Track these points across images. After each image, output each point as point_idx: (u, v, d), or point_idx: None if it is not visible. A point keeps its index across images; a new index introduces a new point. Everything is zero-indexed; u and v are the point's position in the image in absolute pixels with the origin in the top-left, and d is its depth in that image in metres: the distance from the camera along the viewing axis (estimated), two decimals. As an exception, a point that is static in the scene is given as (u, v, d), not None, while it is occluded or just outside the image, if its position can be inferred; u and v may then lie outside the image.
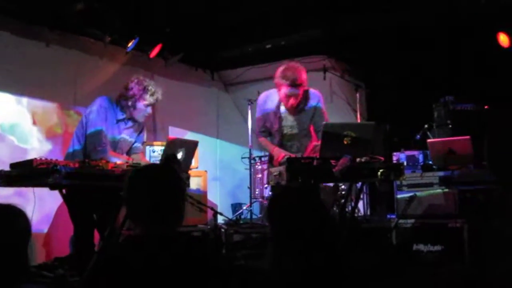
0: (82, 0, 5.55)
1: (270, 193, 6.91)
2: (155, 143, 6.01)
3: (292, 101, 4.60)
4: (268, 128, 4.83)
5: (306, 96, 4.73)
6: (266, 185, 7.26)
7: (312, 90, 4.79)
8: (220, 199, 8.01)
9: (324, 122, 4.35)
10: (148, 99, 4.57)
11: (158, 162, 5.11)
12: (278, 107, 4.76)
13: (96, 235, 4.53)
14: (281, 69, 4.57)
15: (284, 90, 4.55)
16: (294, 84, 4.50)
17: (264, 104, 4.83)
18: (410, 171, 5.41)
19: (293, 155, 4.43)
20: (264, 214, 6.30)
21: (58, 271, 4.07)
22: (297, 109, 4.73)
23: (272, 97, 4.78)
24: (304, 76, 4.55)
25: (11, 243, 2.01)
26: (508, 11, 5.74)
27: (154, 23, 6.46)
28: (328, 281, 1.89)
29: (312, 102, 4.76)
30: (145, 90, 4.54)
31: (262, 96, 4.90)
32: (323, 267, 1.88)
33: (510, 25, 6.02)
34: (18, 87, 5.78)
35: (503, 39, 6.07)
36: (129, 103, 4.56)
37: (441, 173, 5.15)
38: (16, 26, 5.73)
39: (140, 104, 4.57)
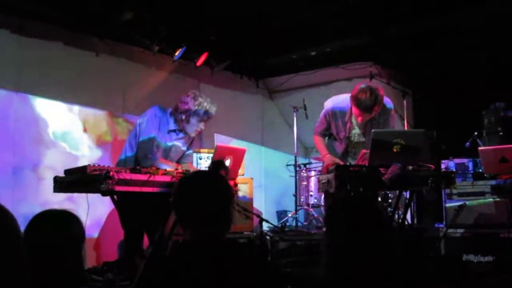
0: (131, 10, 5.65)
1: (323, 200, 6.89)
2: (201, 150, 6.07)
3: (362, 118, 4.53)
4: (332, 134, 4.76)
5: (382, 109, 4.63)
6: (311, 192, 7.24)
7: (385, 100, 4.65)
8: (265, 206, 8.01)
9: (373, 130, 4.27)
10: (202, 115, 4.62)
11: (206, 169, 5.16)
12: (349, 116, 4.66)
13: (146, 241, 4.59)
14: (358, 90, 4.42)
15: (355, 111, 4.49)
16: (366, 111, 4.44)
17: (332, 114, 4.73)
18: (460, 179, 5.30)
19: (341, 163, 4.39)
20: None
21: (107, 275, 4.14)
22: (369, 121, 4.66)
23: (344, 103, 4.66)
24: (379, 103, 4.42)
25: (66, 248, 2.05)
26: None
27: (200, 32, 6.53)
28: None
29: (387, 106, 4.67)
30: (200, 106, 4.59)
31: (329, 103, 4.80)
32: (382, 276, 1.86)
33: None
34: (69, 96, 5.95)
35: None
36: (183, 117, 4.62)
37: (493, 182, 5.02)
38: (68, 36, 5.90)
39: (194, 120, 4.62)
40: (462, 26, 6.25)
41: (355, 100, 4.41)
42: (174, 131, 4.71)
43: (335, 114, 4.71)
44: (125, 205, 4.14)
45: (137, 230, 4.51)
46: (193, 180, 2.26)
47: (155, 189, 3.91)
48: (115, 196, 4.00)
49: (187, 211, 2.11)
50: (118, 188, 3.73)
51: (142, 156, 4.53)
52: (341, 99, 4.71)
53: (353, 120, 4.68)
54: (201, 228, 2.07)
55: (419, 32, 6.48)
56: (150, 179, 3.87)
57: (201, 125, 4.70)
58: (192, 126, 4.66)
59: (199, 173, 2.66)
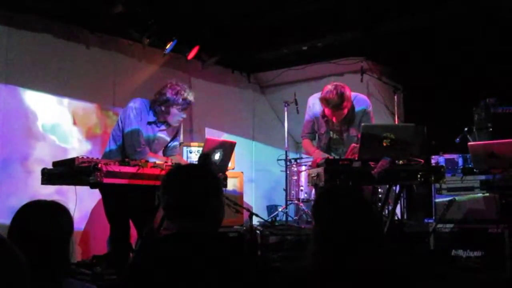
0: (121, 3, 5.61)
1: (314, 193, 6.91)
2: (192, 143, 6.06)
3: (336, 118, 4.59)
4: (315, 130, 4.79)
5: (352, 107, 4.68)
6: (301, 187, 7.25)
7: (359, 97, 4.72)
8: (255, 200, 8.01)
9: (363, 124, 4.30)
10: (181, 104, 4.56)
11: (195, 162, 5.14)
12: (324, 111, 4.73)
13: (134, 234, 4.58)
14: (325, 91, 4.51)
15: (327, 111, 4.55)
16: (336, 108, 4.49)
17: (313, 107, 4.81)
18: (450, 174, 5.30)
19: (331, 157, 4.40)
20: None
21: (96, 268, 4.11)
22: (343, 120, 4.70)
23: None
24: (347, 99, 4.49)
25: (53, 239, 2.03)
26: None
27: (191, 25, 6.51)
28: (370, 282, 1.86)
29: (360, 107, 4.71)
30: (178, 94, 4.51)
31: (312, 99, 4.85)
32: (366, 268, 1.85)
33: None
34: (59, 88, 5.91)
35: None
36: (163, 108, 4.54)
37: (482, 177, 5.02)
38: (58, 29, 5.87)
39: (174, 110, 4.56)
40: (453, 22, 6.25)
41: (324, 100, 4.50)
42: (154, 122, 4.65)
43: (315, 109, 4.80)
44: (113, 197, 4.11)
45: (124, 223, 4.47)
46: (178, 173, 2.25)
47: (144, 182, 3.89)
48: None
49: (173, 202, 2.10)
50: (107, 181, 3.69)
51: (131, 150, 4.45)
52: (317, 95, 4.77)
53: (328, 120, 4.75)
54: (186, 220, 2.06)
55: (411, 27, 6.48)
56: (139, 171, 3.85)
57: (183, 114, 4.65)
58: (173, 116, 4.59)
59: (185, 166, 2.64)
